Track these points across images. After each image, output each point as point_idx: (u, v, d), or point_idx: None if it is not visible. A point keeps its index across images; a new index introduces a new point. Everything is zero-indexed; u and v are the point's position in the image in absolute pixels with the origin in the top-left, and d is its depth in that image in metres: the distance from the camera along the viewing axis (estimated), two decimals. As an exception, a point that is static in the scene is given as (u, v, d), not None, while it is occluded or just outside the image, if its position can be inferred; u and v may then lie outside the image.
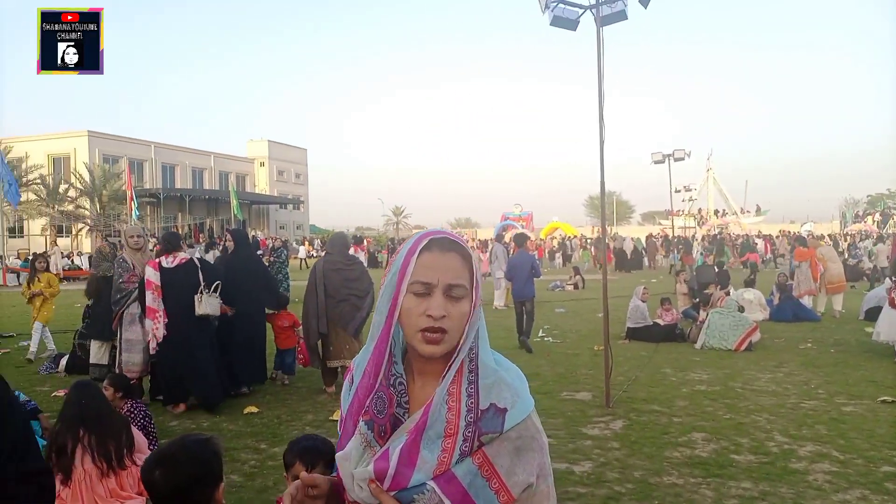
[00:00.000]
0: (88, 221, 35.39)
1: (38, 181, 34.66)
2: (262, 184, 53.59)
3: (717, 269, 14.80)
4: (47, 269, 9.37)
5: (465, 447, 1.06)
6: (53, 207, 34.45)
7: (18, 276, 25.47)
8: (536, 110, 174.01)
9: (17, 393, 5.25)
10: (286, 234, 48.24)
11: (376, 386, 1.13)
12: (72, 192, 35.72)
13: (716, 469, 4.29)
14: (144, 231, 7.06)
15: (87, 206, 35.60)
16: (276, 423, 5.48)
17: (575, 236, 38.91)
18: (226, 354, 6.28)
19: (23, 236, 36.87)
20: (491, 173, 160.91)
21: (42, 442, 4.66)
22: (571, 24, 6.20)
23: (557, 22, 6.15)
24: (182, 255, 6.07)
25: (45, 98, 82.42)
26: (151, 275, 5.83)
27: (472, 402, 1.08)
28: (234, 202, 31.48)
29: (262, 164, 54.08)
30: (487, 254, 21.96)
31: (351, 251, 7.63)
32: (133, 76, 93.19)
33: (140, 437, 3.94)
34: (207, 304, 5.80)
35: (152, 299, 5.75)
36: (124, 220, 34.00)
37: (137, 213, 29.57)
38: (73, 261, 28.72)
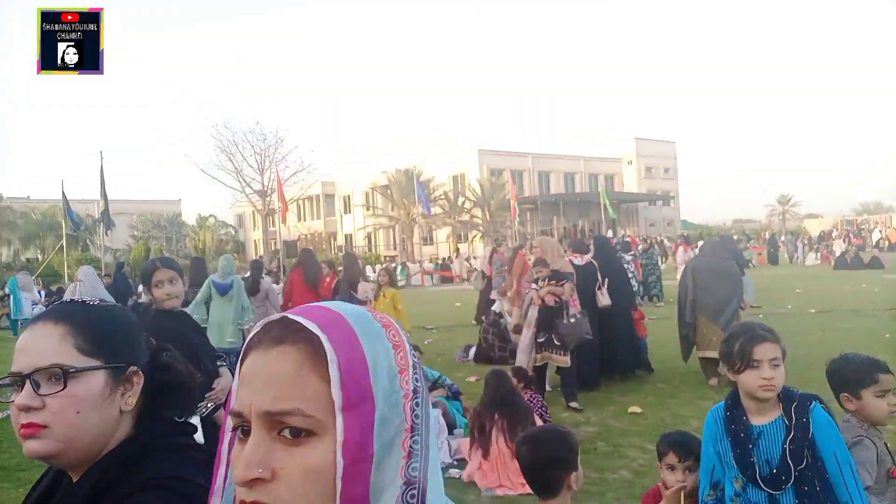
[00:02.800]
0: (481, 229, 40.61)
1: (443, 197, 41.14)
2: (629, 182, 53.83)
3: None
4: (391, 284, 8.69)
5: None
6: (454, 218, 40.45)
7: (432, 278, 30.64)
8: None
9: (443, 377, 6.39)
10: (657, 231, 47.47)
11: None
12: (467, 204, 41.44)
13: None
14: (526, 240, 7.87)
15: (479, 216, 40.84)
16: (661, 425, 5.51)
17: None
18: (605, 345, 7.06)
19: (432, 244, 44.18)
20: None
21: (463, 420, 5.60)
22: None
23: None
24: (587, 256, 7.13)
25: (444, 125, 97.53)
26: None
27: None
28: (604, 202, 32.41)
29: (629, 163, 54.29)
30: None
31: None
32: (514, 93, 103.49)
33: (540, 426, 4.45)
34: (604, 297, 6.75)
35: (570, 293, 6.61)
36: (508, 226, 38.00)
37: (519, 220, 32.73)
38: (471, 263, 33.32)
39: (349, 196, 51.53)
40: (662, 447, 2.52)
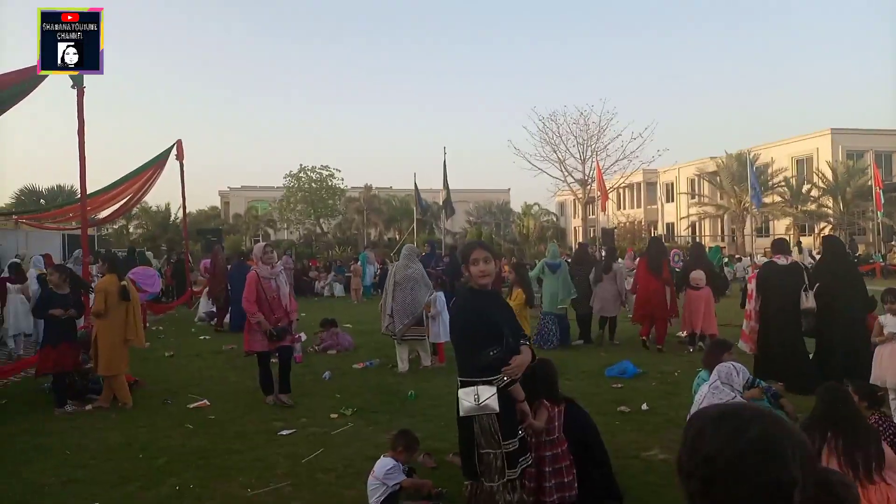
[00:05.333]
0: (831, 220, 34.99)
1: (783, 184, 36.50)
2: None
3: None
4: (521, 284, 9.76)
5: None
6: (796, 208, 35.61)
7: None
8: None
9: (759, 380, 5.80)
10: None
11: None
12: (814, 192, 36.08)
13: None
14: (892, 235, 6.76)
15: (830, 205, 35.22)
16: None
17: None
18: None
19: (768, 236, 39.63)
20: None
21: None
22: None
23: None
24: (793, 257, 7.46)
25: (789, 103, 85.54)
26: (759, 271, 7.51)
27: None
28: None
29: None
30: None
31: None
32: (876, 59, 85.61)
33: (890, 454, 3.73)
34: (808, 299, 6.80)
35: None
36: (869, 218, 32.02)
37: (883, 211, 27.36)
38: (814, 258, 29.03)
39: (672, 183, 49.24)
40: None
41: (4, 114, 7.54)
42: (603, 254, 15.44)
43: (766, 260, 7.99)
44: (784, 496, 1.09)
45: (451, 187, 27.01)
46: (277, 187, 46.95)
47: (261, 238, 44.01)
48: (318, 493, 4.53)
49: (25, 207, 34.88)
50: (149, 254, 22.72)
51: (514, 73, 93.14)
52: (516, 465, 3.28)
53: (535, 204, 49.72)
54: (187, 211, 19.48)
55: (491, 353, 3.19)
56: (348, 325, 11.74)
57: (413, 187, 28.46)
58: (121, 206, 18.23)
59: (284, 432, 5.89)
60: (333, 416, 6.42)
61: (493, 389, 3.16)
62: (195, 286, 17.98)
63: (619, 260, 11.96)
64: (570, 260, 12.03)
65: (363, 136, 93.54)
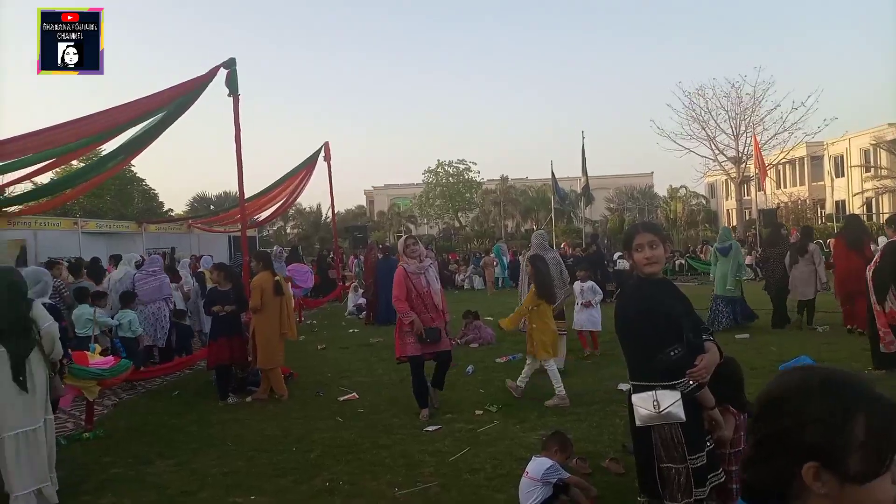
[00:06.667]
0: None
1: None
2: None
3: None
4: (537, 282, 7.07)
5: None
6: None
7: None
8: None
9: None
10: None
11: None
12: None
13: None
14: None
15: None
16: None
17: None
18: None
19: (967, 210, 34.26)
20: None
21: None
22: None
23: None
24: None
25: None
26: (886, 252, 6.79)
27: None
28: None
29: None
30: None
31: None
32: None
33: None
34: None
35: None
36: None
37: None
38: None
39: (842, 156, 44.15)
40: None
41: (183, 130, 8.15)
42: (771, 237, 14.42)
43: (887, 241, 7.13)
44: (827, 454, 0.98)
45: (589, 174, 26.05)
46: (417, 184, 48.18)
47: (403, 233, 45.49)
48: (466, 494, 4.34)
49: (197, 213, 38.65)
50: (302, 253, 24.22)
51: (654, 47, 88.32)
52: (705, 482, 2.81)
53: (681, 187, 46.97)
54: (335, 210, 20.42)
55: (671, 354, 2.72)
56: (489, 318, 11.57)
57: (550, 176, 27.79)
58: (277, 207, 19.51)
59: (430, 428, 5.79)
60: (478, 412, 6.24)
61: (677, 395, 2.71)
62: (345, 281, 18.79)
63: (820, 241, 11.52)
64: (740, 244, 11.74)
65: (498, 126, 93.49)
